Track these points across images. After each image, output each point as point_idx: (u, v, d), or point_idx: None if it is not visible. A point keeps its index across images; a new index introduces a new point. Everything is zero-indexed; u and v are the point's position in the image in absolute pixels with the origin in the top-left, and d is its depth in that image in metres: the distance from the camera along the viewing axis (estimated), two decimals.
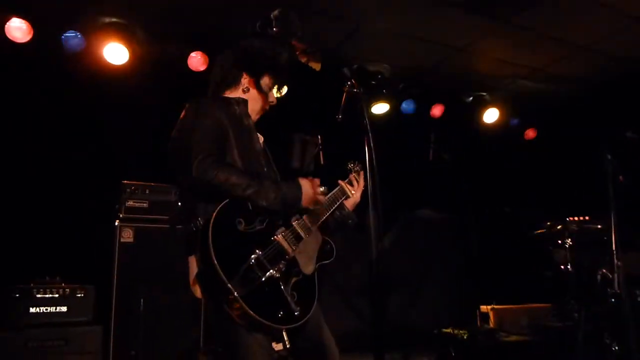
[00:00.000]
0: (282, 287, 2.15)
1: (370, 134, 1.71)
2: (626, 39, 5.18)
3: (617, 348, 3.96)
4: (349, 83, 1.85)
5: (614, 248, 3.59)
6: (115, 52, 4.77)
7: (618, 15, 4.75)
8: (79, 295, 4.05)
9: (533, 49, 5.40)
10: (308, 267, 2.33)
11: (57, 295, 3.98)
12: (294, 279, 2.23)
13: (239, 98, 2.49)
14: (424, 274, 5.38)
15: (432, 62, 5.66)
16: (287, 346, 2.11)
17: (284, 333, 2.12)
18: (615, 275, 3.58)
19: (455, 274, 5.52)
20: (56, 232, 4.54)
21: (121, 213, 4.31)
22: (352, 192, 2.62)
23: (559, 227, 4.42)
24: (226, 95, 2.51)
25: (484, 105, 6.51)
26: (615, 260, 3.57)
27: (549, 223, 4.49)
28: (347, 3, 4.52)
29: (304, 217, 2.36)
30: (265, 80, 2.50)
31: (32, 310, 3.87)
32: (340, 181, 2.59)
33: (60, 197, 4.66)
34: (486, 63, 5.76)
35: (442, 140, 5.16)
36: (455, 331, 4.73)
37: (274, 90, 2.54)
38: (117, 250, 4.19)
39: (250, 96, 2.51)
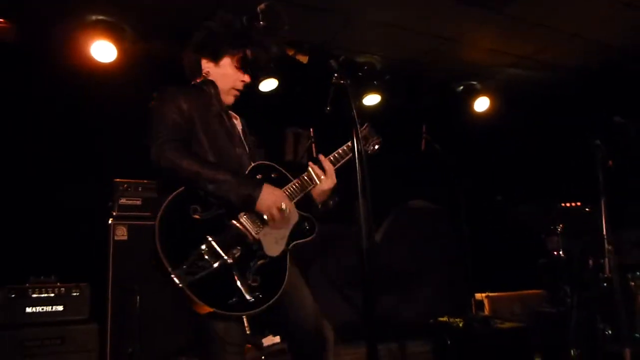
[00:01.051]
0: (236, 272, 2.10)
1: (358, 126, 1.72)
2: (615, 26, 5.19)
3: (609, 332, 4.00)
4: (335, 75, 1.87)
5: (604, 233, 3.62)
6: (103, 50, 4.75)
7: (608, 2, 4.76)
8: (75, 294, 4.06)
9: (522, 37, 5.40)
10: (275, 249, 2.26)
11: (52, 295, 3.99)
12: (259, 262, 2.19)
13: (205, 79, 2.52)
14: (418, 264, 5.40)
15: (422, 52, 5.67)
16: (247, 332, 2.12)
17: (244, 319, 2.12)
18: (606, 259, 3.62)
19: (449, 263, 5.55)
20: (50, 232, 4.55)
21: (114, 211, 4.32)
22: (320, 178, 2.48)
23: (550, 214, 4.45)
24: (194, 83, 2.54)
25: (474, 94, 6.53)
26: (606, 245, 3.61)
27: (540, 210, 4.52)
28: None
29: None
30: (225, 60, 2.50)
31: (28, 310, 3.88)
32: (311, 164, 2.49)
33: (53, 196, 4.65)
34: (476, 52, 5.77)
35: (433, 131, 5.17)
36: (451, 320, 4.76)
37: (241, 68, 2.51)
38: (111, 248, 4.20)
39: (216, 78, 2.52)
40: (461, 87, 6.57)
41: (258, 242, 2.21)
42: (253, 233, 2.20)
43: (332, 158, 2.53)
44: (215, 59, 2.50)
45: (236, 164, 2.37)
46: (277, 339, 4.15)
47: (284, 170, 2.48)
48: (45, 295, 3.96)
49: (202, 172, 2.13)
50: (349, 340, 4.11)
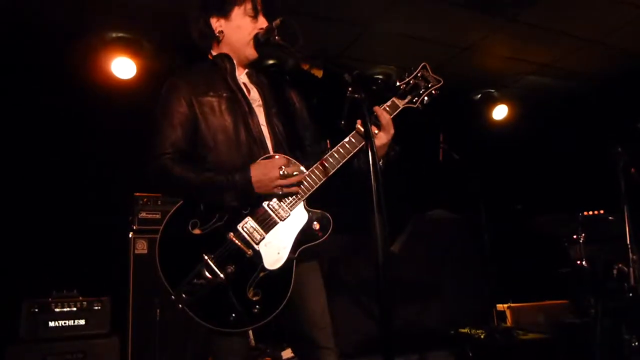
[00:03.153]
0: (232, 289, 2.05)
1: (372, 139, 1.72)
2: (635, 31, 5.13)
3: (637, 343, 3.91)
4: (349, 89, 1.86)
5: (628, 242, 3.56)
6: (123, 67, 4.83)
7: (626, 7, 4.70)
8: (97, 307, 4.10)
9: (541, 44, 5.37)
10: (276, 260, 2.12)
11: (75, 309, 4.04)
12: (261, 274, 2.09)
13: (220, 55, 2.36)
14: (438, 275, 5.35)
15: (439, 61, 5.65)
16: (252, 345, 2.11)
17: (249, 333, 2.12)
18: (631, 269, 3.56)
19: (470, 274, 5.49)
20: (72, 246, 4.61)
21: (134, 225, 4.36)
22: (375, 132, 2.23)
23: (572, 222, 4.38)
24: (209, 57, 2.40)
25: (492, 102, 6.49)
26: (630, 254, 3.55)
27: (562, 219, 4.45)
28: (353, 7, 4.54)
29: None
30: (235, 12, 2.31)
31: (51, 324, 3.93)
32: (359, 122, 2.19)
33: (75, 211, 4.72)
34: (494, 60, 5.74)
35: (451, 140, 5.15)
36: (472, 331, 4.71)
37: (254, 14, 2.31)
38: (132, 262, 4.24)
39: (230, 34, 2.33)
40: (479, 96, 6.54)
41: (258, 254, 2.10)
42: (253, 244, 2.11)
43: (387, 108, 2.31)
44: (224, 13, 2.30)
45: (246, 155, 2.20)
46: (289, 353, 4.14)
47: (298, 164, 2.22)
48: (68, 309, 4.00)
49: (193, 182, 2.09)
50: (369, 352, 4.09)
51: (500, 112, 6.49)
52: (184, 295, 2.02)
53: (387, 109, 2.31)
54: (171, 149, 2.16)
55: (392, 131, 2.27)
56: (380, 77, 5.60)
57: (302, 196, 2.17)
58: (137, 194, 4.43)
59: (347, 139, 2.22)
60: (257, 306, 2.07)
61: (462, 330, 4.78)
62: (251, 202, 2.13)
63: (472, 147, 5.73)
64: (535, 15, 4.77)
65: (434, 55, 5.49)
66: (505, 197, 6.05)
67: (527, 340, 4.58)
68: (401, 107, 2.34)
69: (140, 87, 4.97)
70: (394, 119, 2.30)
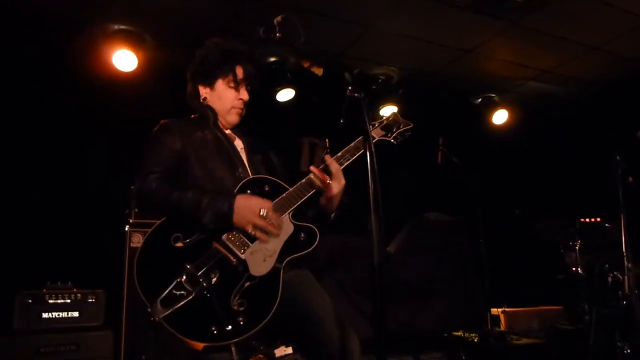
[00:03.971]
0: (214, 299, 1.99)
1: (371, 139, 1.71)
2: (636, 39, 5.13)
3: (628, 350, 3.92)
4: (349, 88, 1.86)
5: (624, 250, 3.56)
6: (124, 59, 4.82)
7: (627, 15, 4.70)
8: (91, 300, 4.08)
9: (543, 50, 5.37)
10: (262, 267, 2.09)
11: (69, 301, 4.01)
12: (246, 284, 2.05)
13: (202, 105, 2.56)
14: (433, 277, 5.35)
15: (440, 63, 5.65)
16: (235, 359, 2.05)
17: (232, 348, 2.02)
18: (626, 277, 3.56)
19: (465, 277, 5.49)
20: (67, 238, 4.60)
21: (131, 218, 4.34)
22: (324, 182, 2.30)
23: (569, 228, 4.38)
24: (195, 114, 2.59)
25: (492, 106, 6.49)
26: (626, 262, 3.55)
27: (559, 225, 4.45)
28: (355, 6, 4.53)
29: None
30: (219, 83, 2.52)
31: (44, 315, 3.91)
32: (312, 168, 2.31)
33: (71, 203, 4.71)
34: (495, 65, 5.74)
35: (450, 143, 5.14)
36: (466, 334, 4.71)
37: (234, 87, 2.51)
38: (127, 255, 4.22)
39: (213, 101, 2.55)
40: (479, 100, 6.54)
41: (243, 263, 2.08)
42: (238, 253, 2.09)
43: (339, 157, 2.38)
44: (210, 84, 2.54)
45: (233, 187, 2.27)
46: (290, 349, 4.12)
47: (281, 182, 2.33)
48: (62, 301, 3.99)
49: (177, 199, 2.12)
50: (362, 353, 4.07)
51: (500, 116, 6.48)
52: (160, 307, 1.94)
53: (340, 158, 2.38)
54: (159, 169, 2.25)
55: (343, 181, 2.35)
56: (381, 77, 5.59)
57: (286, 209, 2.21)
58: (134, 187, 4.41)
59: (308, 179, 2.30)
60: (242, 317, 1.99)
61: (456, 334, 4.79)
62: (226, 228, 2.13)
63: (471, 151, 5.74)
64: (538, 20, 4.77)
65: (435, 57, 5.49)
66: (503, 201, 6.06)
67: (521, 345, 4.58)
68: (354, 158, 2.39)
69: (141, 80, 4.97)
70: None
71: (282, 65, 5.37)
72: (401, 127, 2.66)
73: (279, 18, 2.23)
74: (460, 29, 4.97)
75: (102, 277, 4.29)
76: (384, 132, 2.60)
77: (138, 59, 4.86)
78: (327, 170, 2.31)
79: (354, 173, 2.28)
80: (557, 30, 4.99)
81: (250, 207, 2.12)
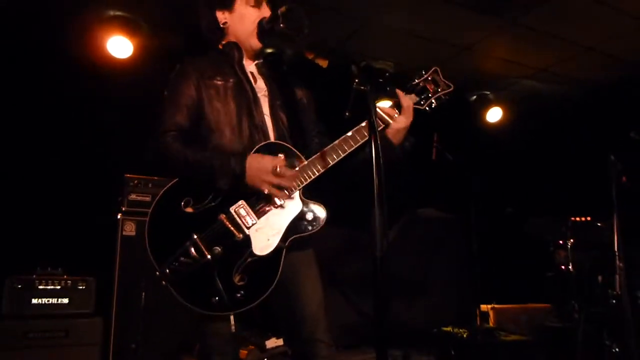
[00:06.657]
0: (217, 271, 2.03)
1: (377, 133, 1.70)
2: (631, 40, 5.17)
3: (617, 349, 3.96)
4: (356, 80, 1.84)
5: (615, 249, 3.59)
6: (119, 46, 4.76)
7: (623, 16, 4.73)
8: (81, 287, 4.05)
9: (539, 49, 5.39)
10: (265, 247, 2.09)
11: (59, 287, 3.98)
12: (248, 260, 2.06)
13: (229, 43, 2.39)
14: (424, 273, 5.38)
15: (435, 60, 5.64)
16: (233, 331, 2.06)
17: (231, 318, 2.06)
18: (617, 276, 3.59)
19: (455, 273, 5.52)
20: (59, 224, 4.55)
21: (124, 206, 4.31)
22: (394, 116, 2.25)
23: (561, 227, 4.41)
24: (219, 47, 2.43)
25: (487, 104, 6.50)
26: (617, 262, 3.58)
27: (550, 223, 4.48)
28: (352, 1, 4.51)
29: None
30: (238, 4, 2.34)
31: (34, 301, 3.87)
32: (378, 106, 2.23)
33: (64, 189, 4.66)
34: (491, 62, 5.75)
35: (445, 140, 5.15)
36: (455, 330, 4.73)
37: (255, 4, 2.34)
38: (119, 243, 4.20)
39: (235, 25, 2.37)
40: (474, 97, 6.55)
41: (247, 239, 2.08)
42: (244, 228, 2.08)
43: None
44: (228, 6, 2.36)
45: (247, 142, 2.20)
46: (280, 341, 4.13)
47: (299, 154, 2.21)
48: (52, 287, 3.95)
49: (189, 159, 2.09)
50: (356, 346, 4.10)
51: (494, 114, 6.51)
52: (168, 272, 2.01)
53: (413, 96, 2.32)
54: (174, 127, 2.18)
55: (411, 117, 2.28)
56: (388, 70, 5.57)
57: (298, 185, 2.14)
58: (128, 175, 4.38)
59: (350, 133, 2.20)
60: (242, 292, 2.04)
61: (445, 329, 4.81)
62: (241, 189, 2.10)
63: (465, 148, 5.75)
64: (535, 19, 4.79)
65: (431, 53, 5.49)
66: (496, 199, 6.08)
67: (509, 342, 4.60)
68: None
69: (136, 67, 4.92)
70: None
71: (280, 57, 5.34)
72: (439, 90, 2.42)
73: (283, 8, 2.20)
74: (457, 26, 4.98)
75: (93, 264, 4.26)
76: (417, 99, 2.39)
77: (133, 46, 4.81)
78: (397, 105, 2.29)
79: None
80: (553, 29, 5.01)
81: (261, 168, 2.07)
